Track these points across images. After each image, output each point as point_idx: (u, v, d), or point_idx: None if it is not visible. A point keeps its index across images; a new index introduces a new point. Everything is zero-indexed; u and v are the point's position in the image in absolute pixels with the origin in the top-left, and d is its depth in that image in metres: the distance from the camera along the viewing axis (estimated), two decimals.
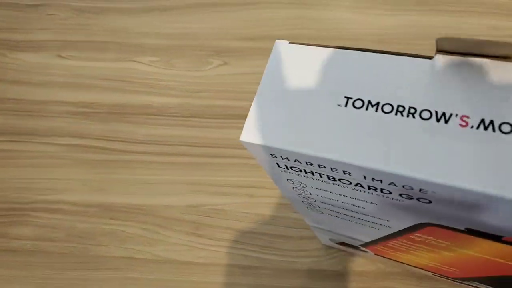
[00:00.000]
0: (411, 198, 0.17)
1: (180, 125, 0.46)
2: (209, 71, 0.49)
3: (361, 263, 0.40)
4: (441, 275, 0.34)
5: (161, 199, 0.43)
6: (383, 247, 0.30)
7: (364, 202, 0.20)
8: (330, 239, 0.35)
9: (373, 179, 0.17)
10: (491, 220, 0.16)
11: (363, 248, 0.34)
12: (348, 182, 0.18)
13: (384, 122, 0.16)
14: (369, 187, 0.18)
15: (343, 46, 0.18)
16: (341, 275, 0.39)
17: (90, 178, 0.45)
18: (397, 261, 0.35)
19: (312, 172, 0.19)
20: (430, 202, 0.17)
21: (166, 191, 0.43)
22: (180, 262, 0.40)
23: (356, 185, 0.18)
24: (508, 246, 0.19)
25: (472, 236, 0.19)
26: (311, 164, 0.18)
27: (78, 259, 0.41)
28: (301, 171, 0.19)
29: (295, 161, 0.18)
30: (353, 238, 0.31)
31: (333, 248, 0.40)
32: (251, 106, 0.18)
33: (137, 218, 0.43)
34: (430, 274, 0.37)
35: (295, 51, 0.19)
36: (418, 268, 0.34)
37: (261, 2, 0.53)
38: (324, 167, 0.17)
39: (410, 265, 0.35)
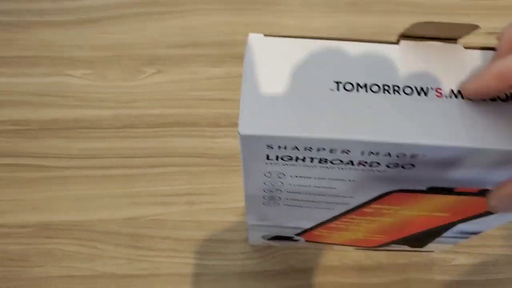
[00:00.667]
0: (396, 166, 0.19)
1: (114, 137, 0.45)
2: (142, 80, 0.48)
3: (302, 259, 0.40)
4: (363, 246, 0.37)
5: (98, 213, 0.42)
6: (322, 230, 0.32)
7: (341, 181, 0.22)
8: (263, 236, 0.36)
9: (370, 153, 0.18)
10: (453, 173, 0.20)
11: (296, 238, 0.35)
12: (339, 161, 0.20)
13: (376, 100, 0.18)
14: (359, 163, 0.20)
15: (317, 36, 0.19)
16: (284, 273, 0.40)
17: (24, 197, 0.43)
18: (326, 243, 0.37)
19: (303, 159, 0.20)
20: (413, 166, 0.19)
21: (103, 205, 0.43)
22: (119, 275, 0.40)
23: (347, 163, 0.20)
24: (456, 196, 0.23)
25: (428, 194, 0.23)
26: (310, 149, 0.19)
27: (12, 283, 0.40)
28: (291, 159, 0.20)
29: (292, 149, 0.19)
30: (294, 228, 0.32)
31: (260, 250, 0.41)
32: (241, 100, 0.18)
33: (74, 235, 0.41)
34: (352, 248, 0.39)
35: (271, 43, 0.20)
36: (345, 245, 0.37)
37: (191, 10, 0.53)
38: (324, 149, 0.19)
39: (338, 244, 0.37)
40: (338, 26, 0.52)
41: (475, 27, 0.18)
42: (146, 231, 0.41)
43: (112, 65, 0.49)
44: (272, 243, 0.39)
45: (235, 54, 0.50)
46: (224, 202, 0.43)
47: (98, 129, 0.46)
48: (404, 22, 0.52)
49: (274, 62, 0.19)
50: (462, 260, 0.41)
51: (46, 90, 0.48)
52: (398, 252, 0.41)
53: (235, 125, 0.46)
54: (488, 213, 0.25)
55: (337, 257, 0.40)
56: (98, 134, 0.46)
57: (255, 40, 0.20)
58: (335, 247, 0.40)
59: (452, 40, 0.19)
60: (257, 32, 0.51)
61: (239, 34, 0.52)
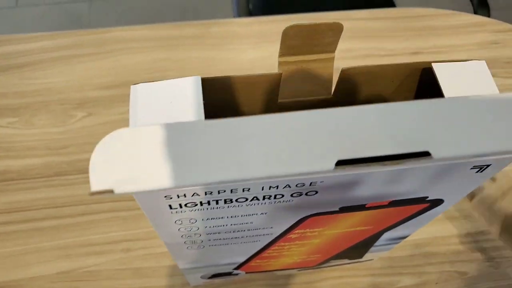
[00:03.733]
0: (300, 195, 0.19)
1: (44, 186, 0.43)
2: (73, 124, 0.47)
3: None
4: (304, 267, 0.37)
5: (27, 270, 0.40)
6: (257, 261, 0.32)
7: (255, 215, 0.21)
8: (201, 277, 0.35)
9: (270, 187, 0.18)
10: (359, 192, 0.20)
11: (235, 272, 0.34)
12: (244, 199, 0.19)
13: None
14: (263, 197, 0.19)
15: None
16: None
17: None
18: (267, 271, 0.36)
19: (208, 202, 0.19)
20: (316, 192, 0.19)
21: (33, 261, 0.40)
22: None
23: (252, 199, 0.19)
24: (370, 211, 0.23)
25: (343, 214, 0.23)
26: (210, 193, 0.18)
27: None
28: (196, 205, 0.19)
29: (192, 196, 0.18)
30: (229, 264, 0.32)
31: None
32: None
33: None
34: (295, 271, 0.39)
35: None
36: (287, 269, 0.37)
37: (118, 49, 0.52)
38: (224, 191, 0.18)
39: (279, 270, 0.37)
40: (269, 56, 0.53)
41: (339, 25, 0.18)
42: (81, 284, 0.39)
43: (40, 111, 0.48)
44: (214, 280, 0.38)
45: None
46: (161, 246, 0.41)
47: (26, 180, 0.44)
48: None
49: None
50: (407, 281, 0.41)
51: None
52: (341, 280, 0.40)
53: None
54: (408, 218, 0.26)
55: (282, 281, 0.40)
56: (26, 185, 0.44)
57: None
58: (278, 272, 0.39)
59: (329, 52, 0.20)
60: (192, 66, 0.51)
61: (172, 70, 0.51)
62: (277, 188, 0.18)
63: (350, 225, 0.26)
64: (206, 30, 0.54)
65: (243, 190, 0.18)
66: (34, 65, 0.51)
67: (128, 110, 0.48)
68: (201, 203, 0.19)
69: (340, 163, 0.15)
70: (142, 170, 0.15)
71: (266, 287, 0.40)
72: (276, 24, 0.55)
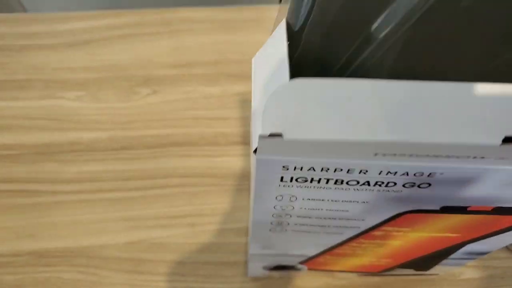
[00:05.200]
0: (413, 186, 0.19)
1: (111, 159, 0.45)
2: (138, 101, 0.48)
3: (307, 280, 0.39)
4: (368, 271, 0.36)
5: (97, 239, 0.41)
6: (327, 257, 0.31)
7: (355, 203, 0.21)
8: (264, 267, 0.35)
9: (388, 172, 0.18)
10: (469, 192, 0.19)
11: (299, 266, 0.34)
12: (356, 182, 0.19)
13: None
14: (375, 183, 0.19)
15: None
16: None
17: (18, 224, 0.42)
18: (329, 270, 0.36)
19: (319, 180, 0.19)
20: (429, 185, 0.19)
21: (101, 230, 0.41)
22: None
23: (363, 184, 0.19)
24: (469, 215, 0.22)
25: (441, 215, 0.22)
26: (327, 170, 0.18)
27: None
28: (305, 181, 0.19)
29: (308, 170, 0.18)
30: (299, 256, 0.31)
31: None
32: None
33: (73, 262, 0.40)
34: (355, 275, 0.38)
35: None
36: (349, 271, 0.36)
37: (181, 30, 0.52)
38: (341, 169, 0.17)
39: (342, 271, 0.36)
40: None
41: None
42: (148, 255, 0.40)
43: (106, 86, 0.49)
44: (274, 273, 0.38)
45: (229, 72, 0.50)
46: (226, 222, 0.42)
47: (94, 152, 0.45)
48: None
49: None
50: (470, 274, 0.41)
51: (39, 113, 0.47)
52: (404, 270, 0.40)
53: (234, 143, 0.46)
54: (500, 231, 0.25)
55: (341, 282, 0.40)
56: (94, 157, 0.45)
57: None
58: (337, 274, 0.39)
59: None
60: (251, 50, 0.51)
61: (232, 53, 0.52)
62: (395, 174, 0.18)
63: (440, 230, 0.25)
64: (264, 14, 0.55)
65: (360, 172, 0.18)
66: (100, 41, 0.52)
67: (193, 89, 0.49)
68: (312, 180, 0.19)
69: (507, 140, 0.14)
70: (314, 119, 0.15)
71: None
72: None
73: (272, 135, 0.15)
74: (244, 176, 0.44)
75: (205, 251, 0.41)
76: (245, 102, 0.48)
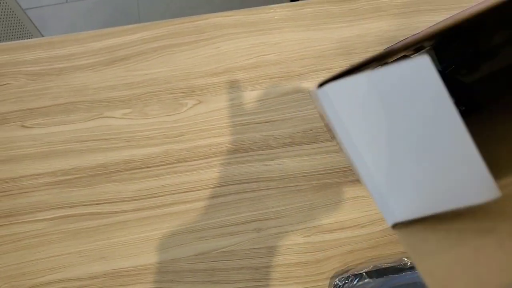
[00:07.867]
0: None
1: (168, 173, 0.45)
2: (185, 112, 0.48)
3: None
4: None
5: (167, 253, 0.42)
6: None
7: None
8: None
9: None
10: None
11: None
12: None
13: None
14: None
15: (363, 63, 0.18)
16: None
17: (86, 248, 0.42)
18: None
19: None
20: None
21: (170, 244, 0.42)
22: None
23: None
24: None
25: None
26: None
27: None
28: None
29: None
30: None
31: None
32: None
33: (148, 278, 0.41)
34: None
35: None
36: None
37: (215, 37, 0.53)
38: None
39: None
40: (362, 34, 0.53)
41: None
42: (220, 264, 0.41)
43: (151, 101, 0.49)
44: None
45: (269, 74, 0.51)
46: (290, 224, 0.42)
47: (150, 168, 0.45)
48: (426, 22, 0.53)
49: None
50: None
51: (89, 135, 0.48)
52: None
53: (286, 145, 0.46)
54: None
55: None
56: (151, 173, 0.45)
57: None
58: None
59: None
60: (287, 49, 0.51)
61: (268, 54, 0.52)
62: None
63: None
64: (297, 11, 0.55)
65: None
66: (136, 56, 0.52)
67: (236, 95, 0.49)
68: None
69: None
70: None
71: None
72: (369, 2, 0.55)
73: None
74: (299, 177, 0.45)
75: (275, 254, 0.41)
76: (289, 102, 0.49)
